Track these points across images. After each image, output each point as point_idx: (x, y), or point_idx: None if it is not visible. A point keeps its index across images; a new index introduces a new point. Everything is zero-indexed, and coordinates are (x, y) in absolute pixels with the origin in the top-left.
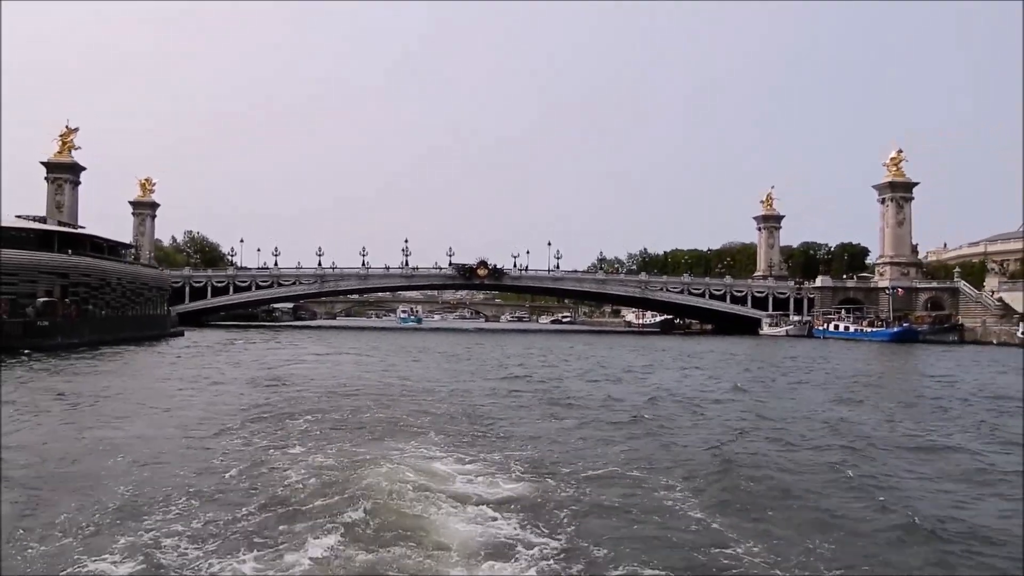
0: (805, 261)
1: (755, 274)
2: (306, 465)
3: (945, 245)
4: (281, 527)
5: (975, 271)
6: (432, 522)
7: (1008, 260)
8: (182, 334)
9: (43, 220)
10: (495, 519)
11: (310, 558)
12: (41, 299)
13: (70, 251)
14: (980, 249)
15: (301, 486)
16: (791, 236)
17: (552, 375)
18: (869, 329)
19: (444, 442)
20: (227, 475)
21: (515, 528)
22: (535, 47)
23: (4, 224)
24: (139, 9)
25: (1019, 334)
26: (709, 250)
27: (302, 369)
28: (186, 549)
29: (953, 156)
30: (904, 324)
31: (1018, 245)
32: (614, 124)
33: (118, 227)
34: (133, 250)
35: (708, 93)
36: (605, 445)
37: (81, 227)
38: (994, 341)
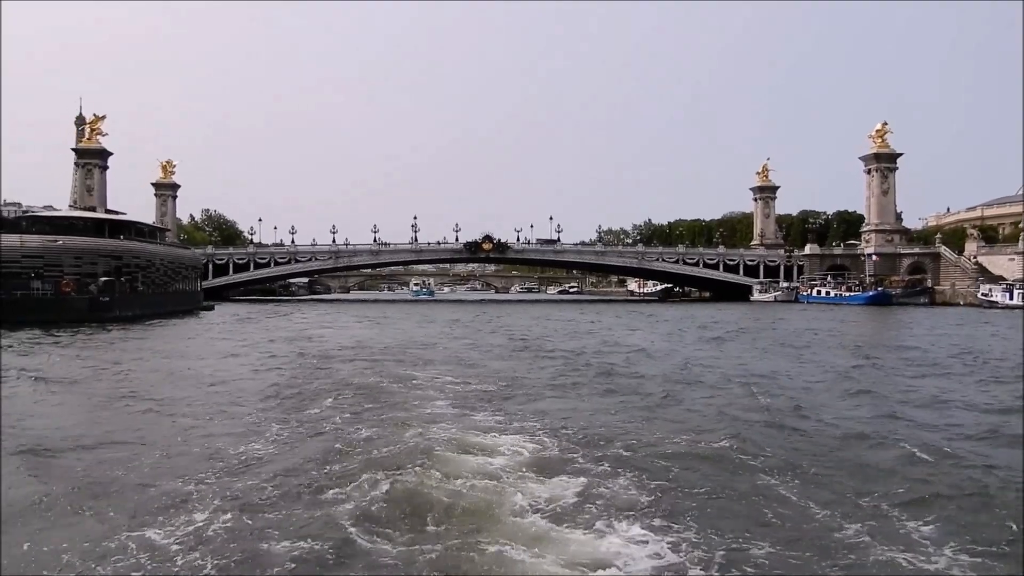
0: (803, 229)
1: (751, 243)
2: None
3: (948, 209)
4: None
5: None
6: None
7: (1004, 224)
8: (212, 308)
9: (92, 209)
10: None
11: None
12: (102, 278)
13: (122, 236)
14: (977, 214)
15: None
16: (792, 204)
17: (533, 334)
18: (848, 294)
19: (458, 397)
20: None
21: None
22: (536, 27)
23: (68, 215)
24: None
25: (979, 295)
26: (711, 220)
27: (333, 333)
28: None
29: (965, 121)
30: (879, 288)
31: (1014, 209)
32: (616, 99)
33: (133, 204)
34: (168, 233)
35: (711, 65)
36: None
37: (123, 213)
38: (961, 303)
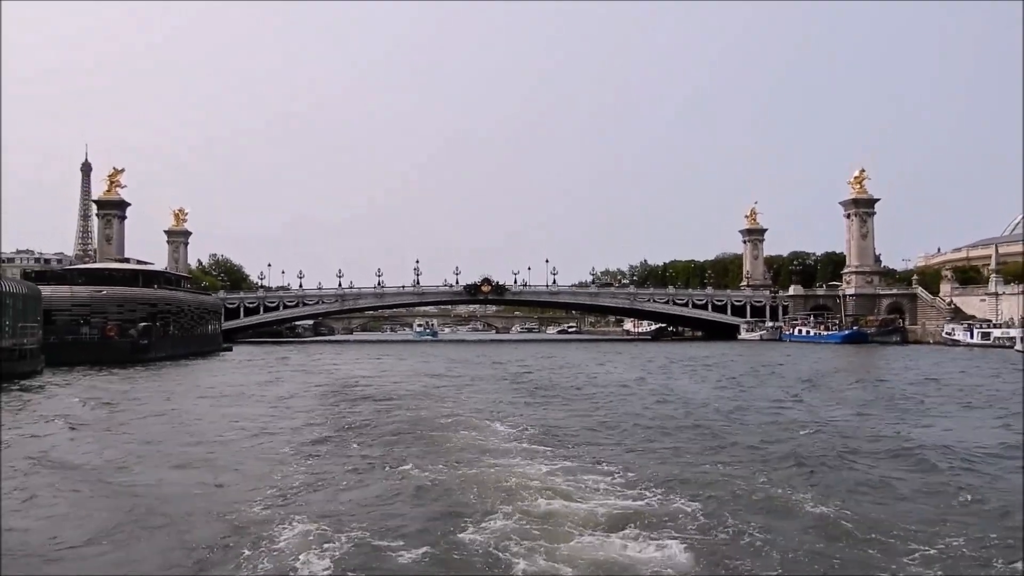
0: (792, 270)
1: (741, 284)
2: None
3: (939, 250)
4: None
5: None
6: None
7: (987, 265)
8: (231, 349)
9: (126, 260)
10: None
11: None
12: (140, 324)
13: (155, 285)
14: (963, 255)
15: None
16: (786, 245)
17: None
18: (825, 332)
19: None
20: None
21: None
22: (531, 59)
23: (108, 267)
24: (140, 17)
25: (944, 334)
26: (705, 261)
27: (350, 365)
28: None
29: (962, 162)
30: (854, 327)
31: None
32: (612, 137)
33: (136, 241)
34: (191, 283)
35: (705, 102)
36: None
37: (151, 263)
38: (930, 341)
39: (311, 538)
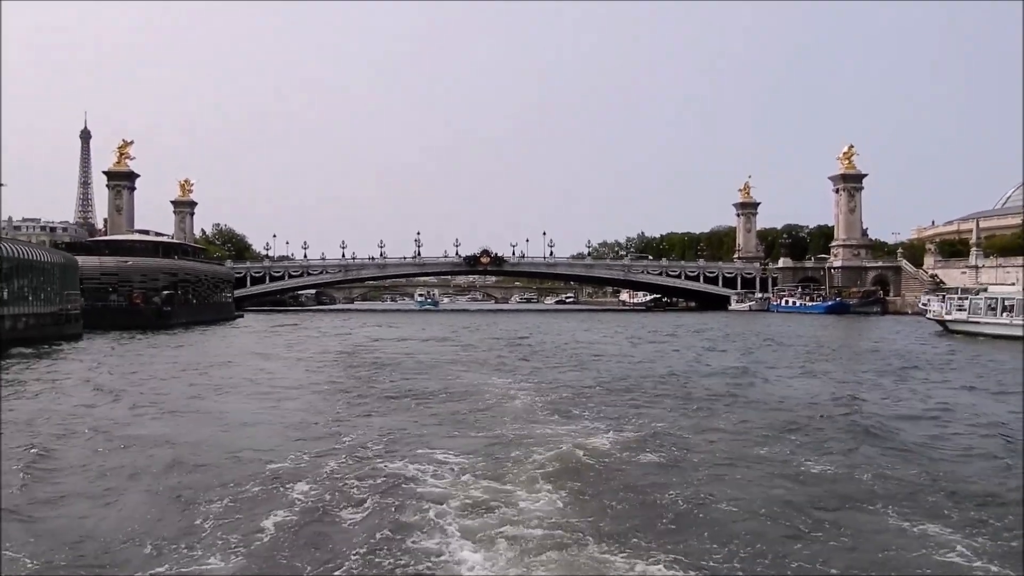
0: (782, 243)
1: (734, 256)
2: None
3: (933, 223)
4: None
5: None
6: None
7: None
8: (243, 316)
9: (145, 232)
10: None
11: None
12: (163, 292)
13: (175, 256)
14: (954, 228)
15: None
16: (781, 218)
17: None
18: (810, 303)
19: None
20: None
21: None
22: (532, 43)
23: (132, 239)
24: (140, 17)
25: (920, 305)
26: (701, 233)
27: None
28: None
29: (963, 134)
30: (837, 299)
31: (985, 223)
32: (611, 118)
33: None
34: (203, 254)
35: (705, 100)
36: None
37: (165, 234)
38: (909, 312)
39: (364, 442)
